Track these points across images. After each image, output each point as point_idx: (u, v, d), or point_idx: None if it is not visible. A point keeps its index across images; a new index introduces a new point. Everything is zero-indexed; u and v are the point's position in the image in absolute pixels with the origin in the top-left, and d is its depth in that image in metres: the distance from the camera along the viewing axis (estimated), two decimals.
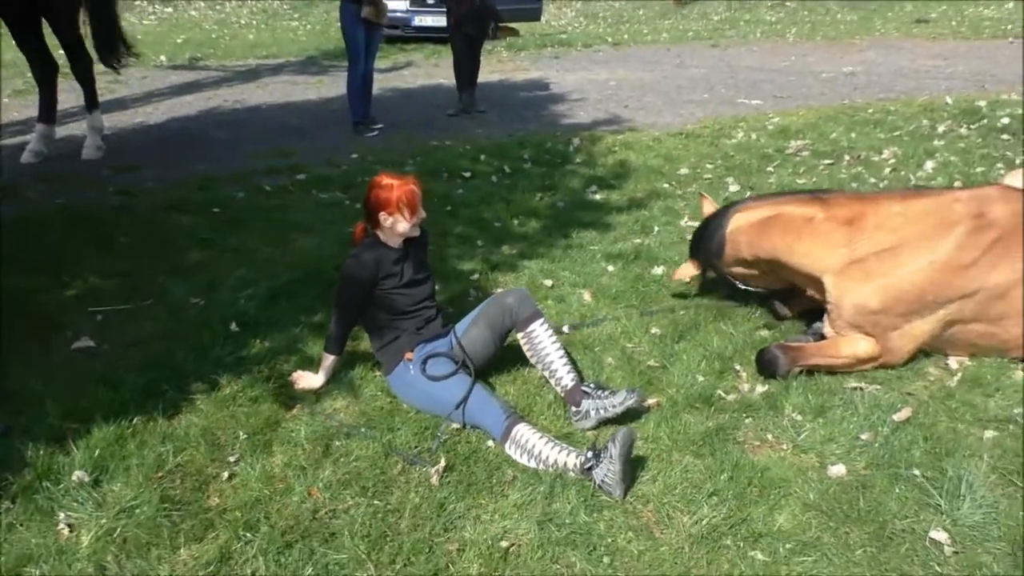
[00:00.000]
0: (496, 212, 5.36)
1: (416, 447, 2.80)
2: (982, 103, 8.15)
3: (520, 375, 3.26)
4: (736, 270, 3.72)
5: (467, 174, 6.30)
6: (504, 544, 2.33)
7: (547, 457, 2.64)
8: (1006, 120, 7.41)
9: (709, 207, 3.95)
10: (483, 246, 4.76)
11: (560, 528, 2.39)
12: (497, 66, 12.04)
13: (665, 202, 5.55)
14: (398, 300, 3.07)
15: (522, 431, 2.72)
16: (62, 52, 6.45)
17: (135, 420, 2.86)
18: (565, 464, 2.61)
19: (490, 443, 2.81)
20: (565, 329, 3.63)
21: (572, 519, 2.43)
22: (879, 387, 3.17)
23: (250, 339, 3.50)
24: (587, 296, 4.03)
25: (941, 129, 7.33)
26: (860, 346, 3.25)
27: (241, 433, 2.83)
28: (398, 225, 3.02)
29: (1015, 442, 2.82)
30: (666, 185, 5.99)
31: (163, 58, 12.18)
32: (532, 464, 2.66)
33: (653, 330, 3.66)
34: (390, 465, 2.70)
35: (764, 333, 3.70)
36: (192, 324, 3.65)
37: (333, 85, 10.04)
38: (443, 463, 2.65)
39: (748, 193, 5.47)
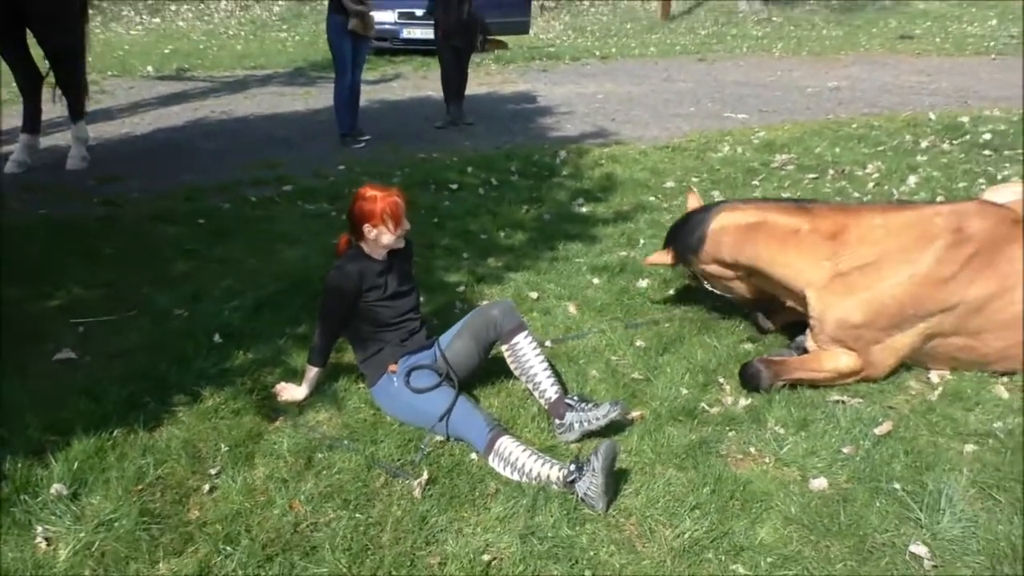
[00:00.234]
0: (482, 224, 5.37)
1: (399, 460, 2.80)
2: (965, 119, 8.23)
3: (504, 387, 3.26)
4: (711, 268, 3.66)
5: (454, 186, 6.30)
6: (486, 557, 2.33)
7: (530, 470, 2.64)
8: (988, 136, 7.49)
9: (695, 202, 3.93)
10: (469, 258, 4.77)
11: (542, 541, 2.39)
12: (485, 79, 12.08)
13: (651, 215, 5.57)
14: (382, 312, 3.06)
15: (505, 444, 2.72)
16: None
17: (116, 432, 2.83)
18: (548, 477, 2.61)
19: (473, 456, 2.81)
20: (548, 344, 3.63)
21: (554, 532, 2.42)
22: (861, 400, 3.19)
23: (234, 350, 3.49)
24: (572, 308, 4.04)
25: (924, 144, 7.40)
26: (842, 360, 3.27)
27: (223, 445, 2.82)
28: (382, 237, 3.02)
29: (995, 456, 2.84)
30: (652, 198, 6.02)
31: (150, 68, 12.13)
32: (515, 477, 2.66)
33: (637, 343, 3.67)
34: (373, 478, 2.69)
35: (748, 346, 3.72)
36: (176, 335, 3.63)
37: (320, 97, 10.03)
38: (426, 476, 2.65)
39: None
